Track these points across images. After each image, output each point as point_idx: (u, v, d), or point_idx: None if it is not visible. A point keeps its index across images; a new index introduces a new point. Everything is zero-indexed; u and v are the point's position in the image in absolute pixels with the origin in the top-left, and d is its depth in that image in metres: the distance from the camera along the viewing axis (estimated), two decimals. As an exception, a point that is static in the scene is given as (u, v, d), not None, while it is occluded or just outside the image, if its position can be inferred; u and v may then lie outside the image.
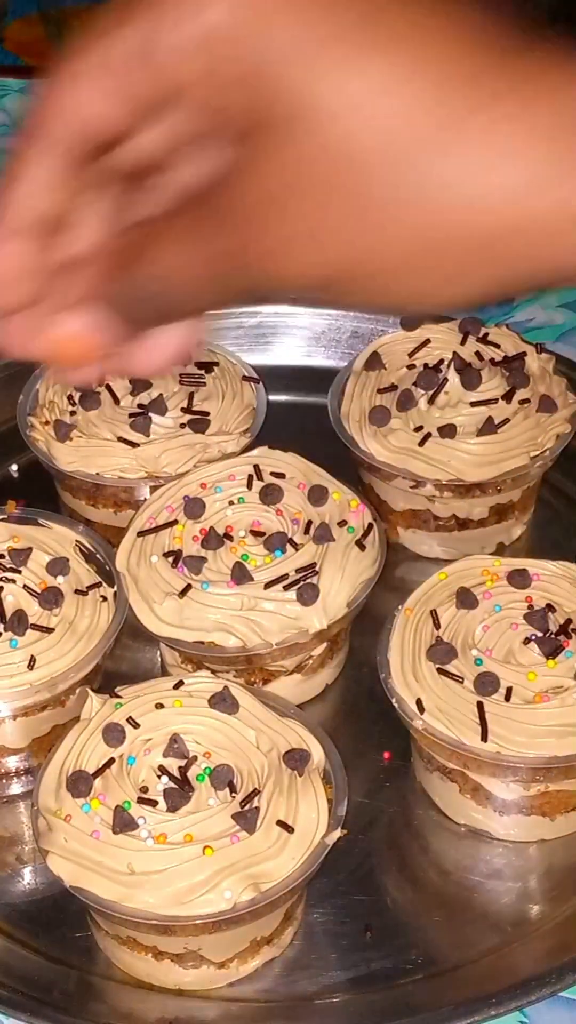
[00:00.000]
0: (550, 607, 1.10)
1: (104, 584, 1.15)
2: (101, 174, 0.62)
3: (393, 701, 1.07)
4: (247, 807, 0.96)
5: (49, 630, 1.10)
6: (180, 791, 0.97)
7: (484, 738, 1.03)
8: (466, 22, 0.59)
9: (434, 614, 1.10)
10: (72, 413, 1.28)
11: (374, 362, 1.31)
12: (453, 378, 1.27)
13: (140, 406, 1.27)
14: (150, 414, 1.26)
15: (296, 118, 0.57)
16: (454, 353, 1.29)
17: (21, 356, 0.64)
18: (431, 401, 1.26)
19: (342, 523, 1.17)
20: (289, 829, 0.96)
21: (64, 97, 0.59)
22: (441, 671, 1.06)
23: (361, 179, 0.58)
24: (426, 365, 1.29)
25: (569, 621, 1.08)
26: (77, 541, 1.18)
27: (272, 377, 1.37)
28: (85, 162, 0.61)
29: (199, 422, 1.26)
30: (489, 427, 1.23)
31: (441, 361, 1.29)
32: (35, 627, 1.09)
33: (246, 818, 0.96)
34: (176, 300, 0.62)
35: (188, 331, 0.65)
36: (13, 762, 1.12)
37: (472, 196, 0.58)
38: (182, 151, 0.62)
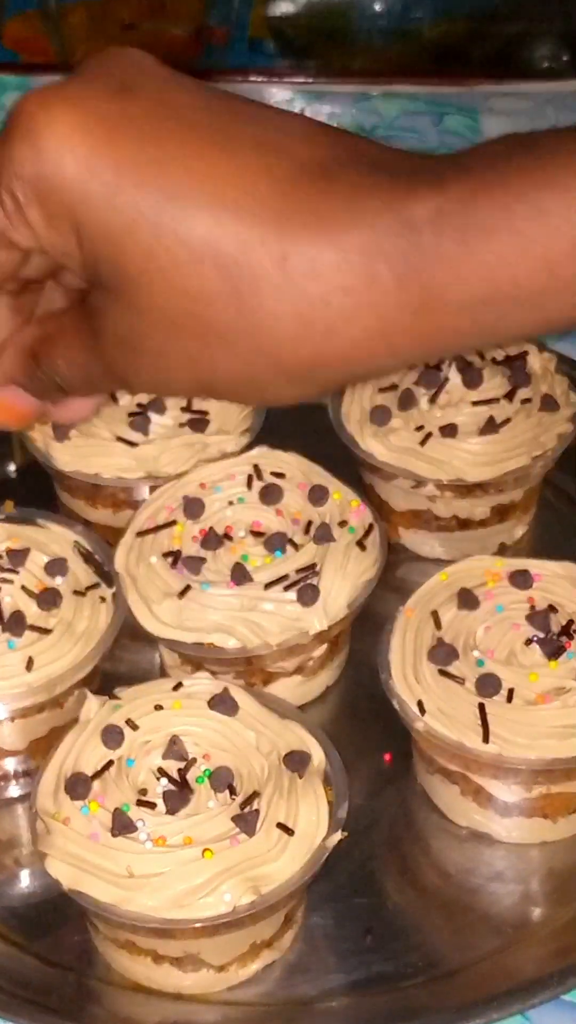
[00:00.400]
0: (552, 608, 1.09)
1: (103, 585, 1.14)
2: None
3: (394, 703, 1.07)
4: (247, 809, 0.96)
5: (47, 631, 1.09)
6: (179, 793, 0.97)
7: (486, 740, 1.02)
8: (283, 156, 0.67)
9: (435, 615, 1.10)
10: (71, 412, 1.27)
11: (375, 361, 1.31)
12: (454, 377, 1.26)
13: (139, 405, 1.26)
14: (149, 413, 1.25)
15: (143, 271, 0.66)
16: (455, 352, 1.28)
17: None
18: (432, 400, 1.25)
19: (343, 523, 1.16)
20: (289, 832, 0.96)
21: None
22: (442, 672, 1.06)
23: (199, 321, 0.67)
24: (427, 364, 1.28)
25: (571, 622, 1.08)
26: (76, 542, 1.18)
27: (272, 376, 1.36)
28: None
29: (198, 422, 1.26)
30: (491, 427, 1.23)
31: (442, 360, 1.28)
32: (33, 628, 1.09)
33: (246, 820, 0.95)
34: (72, 387, 0.76)
35: (95, 397, 0.80)
36: (11, 764, 1.12)
37: (296, 329, 0.67)
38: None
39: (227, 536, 1.16)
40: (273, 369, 0.68)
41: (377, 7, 1.99)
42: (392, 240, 0.65)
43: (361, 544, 1.15)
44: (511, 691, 1.04)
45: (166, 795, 0.97)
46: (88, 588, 1.13)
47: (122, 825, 0.95)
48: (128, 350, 0.71)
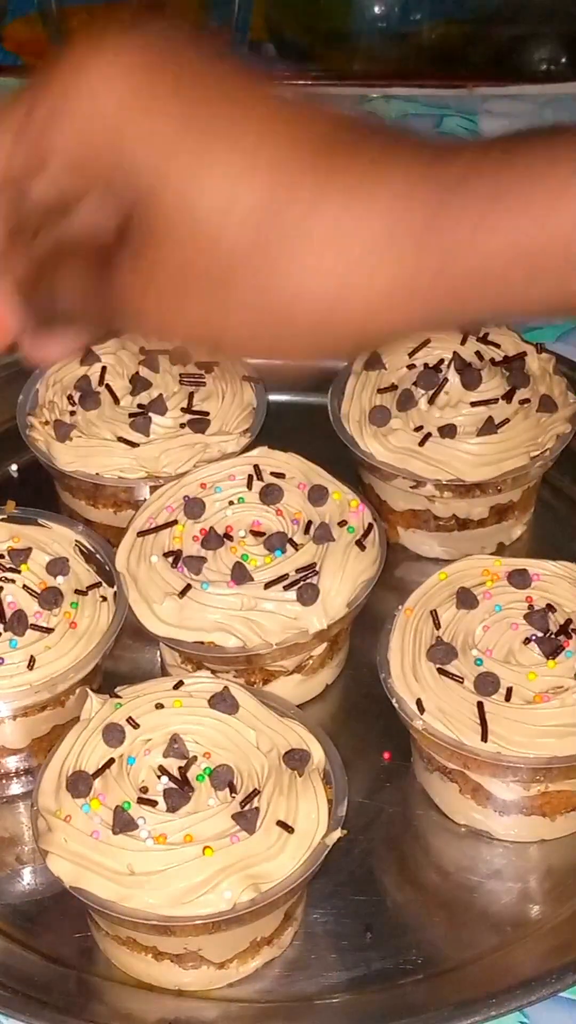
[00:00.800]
0: (550, 607, 1.09)
1: (104, 584, 1.15)
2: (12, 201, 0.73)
3: (393, 701, 1.07)
4: (247, 807, 0.96)
5: (49, 630, 1.10)
6: (180, 791, 0.97)
7: (484, 738, 1.03)
8: (310, 127, 0.67)
9: (434, 614, 1.10)
10: (72, 413, 1.28)
11: (374, 362, 1.31)
12: (453, 378, 1.27)
13: (140, 406, 1.27)
14: (150, 414, 1.26)
15: (170, 215, 0.67)
16: (454, 353, 1.29)
17: None
18: (431, 401, 1.26)
19: (342, 523, 1.17)
20: (289, 829, 0.96)
21: None
22: (441, 671, 1.06)
23: (221, 272, 0.67)
24: (426, 365, 1.29)
25: (569, 621, 1.08)
26: (77, 541, 1.18)
27: (272, 377, 1.36)
28: None
29: (199, 422, 1.26)
30: (489, 427, 1.23)
31: (441, 361, 1.28)
32: (35, 627, 1.09)
33: (246, 818, 0.96)
34: (67, 315, 0.73)
35: (79, 337, 0.76)
36: (13, 762, 1.12)
37: (314, 285, 0.67)
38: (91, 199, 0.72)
39: (227, 536, 1.16)
40: (285, 324, 0.69)
41: (376, 10, 1.99)
42: (417, 203, 0.66)
43: (361, 544, 1.15)
44: (510, 690, 1.05)
45: (167, 793, 0.97)
46: (89, 587, 1.14)
47: (123, 823, 0.96)
48: (142, 288, 0.70)
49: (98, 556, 1.17)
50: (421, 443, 1.23)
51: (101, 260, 0.70)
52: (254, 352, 0.73)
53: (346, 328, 0.69)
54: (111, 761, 1.00)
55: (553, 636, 1.08)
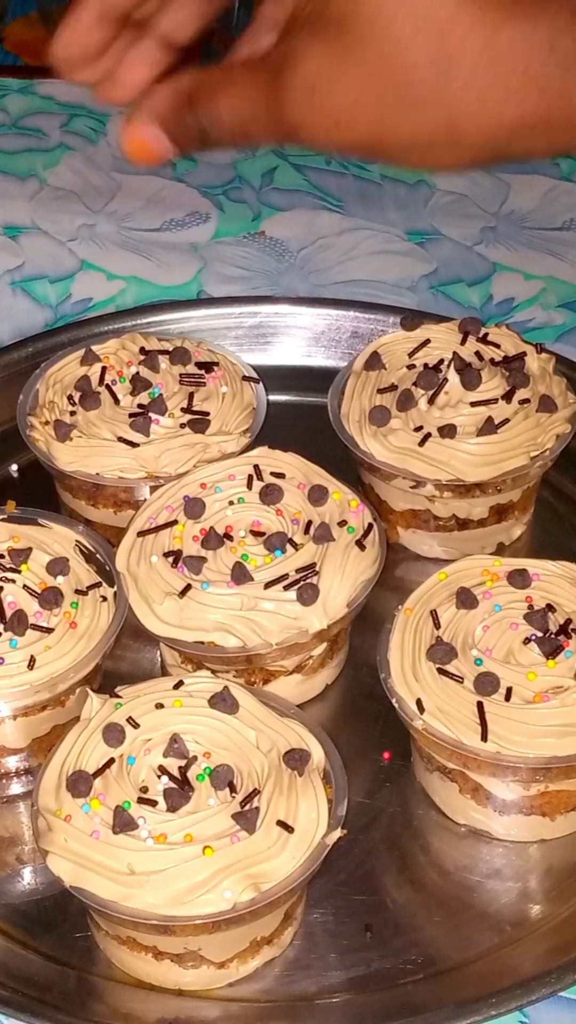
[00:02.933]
0: (550, 607, 1.10)
1: (104, 584, 1.15)
2: None
3: (393, 701, 1.07)
4: (247, 807, 0.96)
5: (49, 630, 1.10)
6: (180, 791, 0.97)
7: (484, 738, 1.03)
8: None
9: (434, 614, 1.10)
10: (72, 413, 1.28)
11: (374, 362, 1.31)
12: (453, 378, 1.27)
13: (140, 406, 1.27)
14: (150, 414, 1.26)
15: (356, 17, 0.73)
16: (454, 353, 1.29)
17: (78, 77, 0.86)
18: (431, 401, 1.26)
19: (342, 523, 1.17)
20: (289, 829, 0.96)
21: None
22: (441, 671, 1.06)
23: (401, 80, 0.74)
24: (426, 365, 1.29)
25: (569, 621, 1.09)
26: (77, 541, 1.18)
27: (272, 377, 1.37)
28: None
29: (199, 422, 1.26)
30: (489, 427, 1.23)
31: (441, 361, 1.29)
32: (35, 627, 1.09)
33: (246, 818, 0.96)
34: (221, 137, 0.80)
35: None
36: (13, 762, 1.12)
37: (480, 98, 0.74)
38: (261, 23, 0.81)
39: (227, 536, 1.16)
40: (449, 134, 0.75)
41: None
42: (569, 34, 0.74)
43: (360, 544, 1.15)
44: (509, 690, 1.05)
45: (167, 793, 0.98)
46: (89, 587, 1.14)
47: (123, 822, 0.96)
48: (317, 97, 0.76)
49: (98, 556, 1.17)
50: (421, 443, 1.23)
51: (269, 80, 0.77)
52: (414, 161, 0.79)
53: (499, 142, 0.76)
54: (111, 761, 1.00)
55: (553, 636, 1.08)
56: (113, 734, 1.01)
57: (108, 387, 1.29)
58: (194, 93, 0.81)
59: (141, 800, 0.97)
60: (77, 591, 1.13)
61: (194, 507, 1.18)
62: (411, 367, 1.30)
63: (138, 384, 1.29)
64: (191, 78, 0.81)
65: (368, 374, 1.31)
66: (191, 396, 1.28)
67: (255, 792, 0.97)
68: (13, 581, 1.12)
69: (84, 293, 1.58)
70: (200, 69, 0.81)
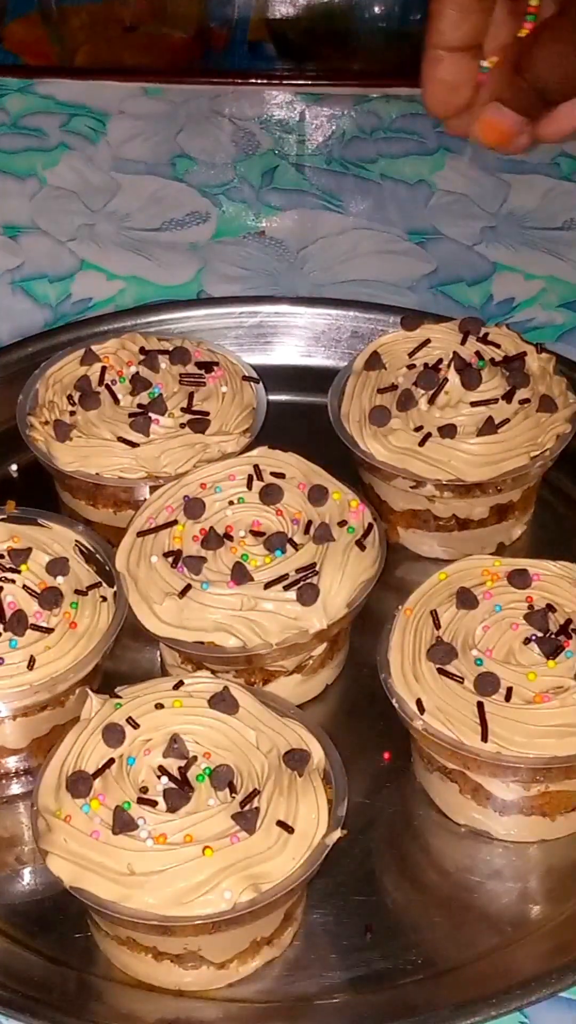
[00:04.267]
0: (550, 607, 1.09)
1: (104, 584, 1.15)
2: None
3: (393, 701, 1.07)
4: (247, 807, 0.96)
5: (49, 630, 1.10)
6: (180, 791, 0.97)
7: (484, 738, 1.03)
8: None
9: (434, 614, 1.10)
10: (72, 413, 1.28)
11: (374, 362, 1.31)
12: (453, 378, 1.27)
13: (140, 406, 1.27)
14: (150, 414, 1.26)
15: None
16: (454, 353, 1.29)
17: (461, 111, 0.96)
18: (431, 401, 1.26)
19: (342, 523, 1.17)
20: (289, 829, 0.96)
21: None
22: (441, 671, 1.06)
23: None
24: (426, 365, 1.29)
25: (569, 621, 1.08)
26: (77, 541, 1.18)
27: (272, 377, 1.37)
28: None
29: (199, 422, 1.26)
30: (489, 427, 1.23)
31: (441, 361, 1.28)
32: (35, 627, 1.09)
33: (246, 818, 0.96)
34: (551, 89, 0.90)
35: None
36: (13, 762, 1.12)
37: None
38: None
39: (227, 536, 1.16)
40: None
41: (376, 10, 1.99)
42: None
43: (360, 544, 1.15)
44: (510, 690, 1.05)
45: (167, 793, 0.98)
46: (89, 587, 1.14)
47: (123, 823, 0.96)
48: None
49: (98, 556, 1.17)
50: (421, 443, 1.23)
51: (570, 31, 0.87)
52: None
53: None
54: (111, 761, 1.00)
55: (553, 636, 1.08)
56: (113, 734, 1.01)
57: (108, 387, 1.29)
58: (517, 63, 0.90)
59: (141, 800, 0.97)
60: (77, 591, 1.13)
61: (194, 507, 1.18)
62: (411, 367, 1.30)
63: (138, 384, 1.29)
64: (510, 51, 0.91)
65: (368, 374, 1.31)
66: (191, 396, 1.28)
67: (255, 792, 0.97)
68: (13, 581, 1.12)
69: (84, 293, 1.58)
70: (511, 40, 0.92)
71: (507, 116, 0.93)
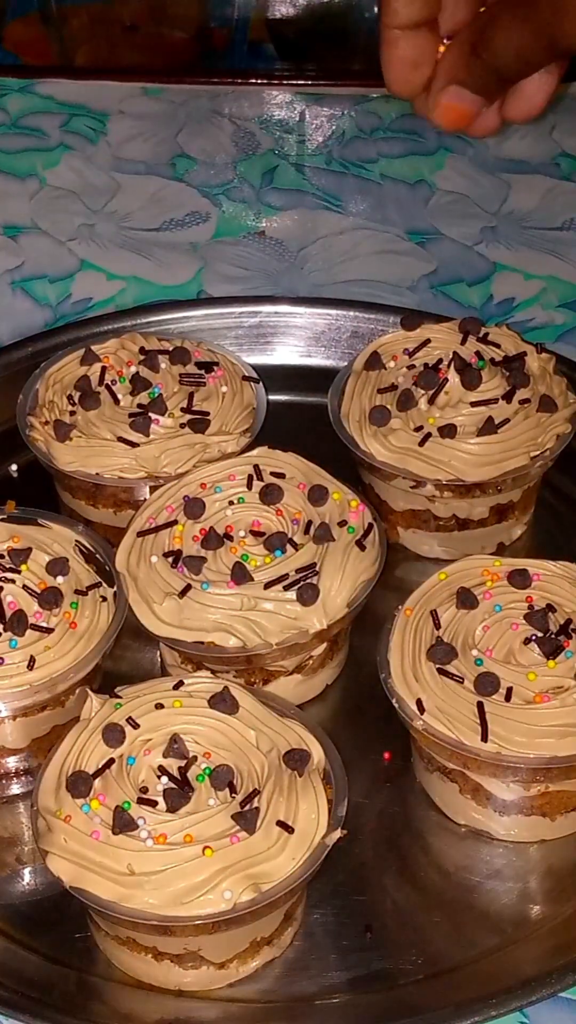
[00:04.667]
0: (550, 607, 1.09)
1: (104, 584, 1.15)
2: None
3: (393, 701, 1.07)
4: (247, 807, 0.96)
5: (49, 630, 1.10)
6: (180, 791, 0.97)
7: (484, 738, 1.03)
8: None
9: (434, 614, 1.10)
10: (72, 413, 1.28)
11: (374, 362, 1.31)
12: (453, 378, 1.27)
13: (140, 406, 1.27)
14: (150, 414, 1.26)
15: None
16: (454, 353, 1.29)
17: (423, 92, 0.94)
18: (431, 401, 1.26)
19: (342, 523, 1.17)
20: (289, 829, 0.96)
21: None
22: (441, 671, 1.06)
23: None
24: (426, 365, 1.29)
25: (569, 621, 1.08)
26: (77, 541, 1.18)
27: (272, 377, 1.37)
28: None
29: (199, 422, 1.26)
30: (489, 427, 1.23)
31: (441, 361, 1.28)
32: (35, 627, 1.09)
33: (246, 818, 0.96)
34: (509, 69, 0.89)
35: (541, 83, 0.92)
36: (13, 762, 1.12)
37: None
38: None
39: (227, 536, 1.16)
40: None
41: (376, 10, 1.99)
42: None
43: (360, 544, 1.15)
44: (510, 690, 1.05)
45: (167, 793, 0.97)
46: (89, 587, 1.14)
47: (123, 823, 0.96)
48: (563, 11, 0.85)
49: (98, 556, 1.17)
50: (421, 443, 1.23)
51: (523, 8, 0.86)
52: None
53: None
54: (111, 761, 1.00)
55: (553, 636, 1.08)
56: (113, 734, 1.01)
57: (108, 387, 1.29)
58: (473, 42, 0.89)
59: (141, 800, 0.97)
60: (77, 591, 1.13)
61: (194, 507, 1.17)
62: (411, 367, 1.30)
63: (138, 384, 1.29)
64: (466, 32, 0.90)
65: (368, 374, 1.31)
66: (191, 396, 1.28)
67: (255, 792, 0.97)
68: (13, 581, 1.12)
69: (84, 293, 1.58)
70: (471, 18, 0.91)
71: (465, 98, 0.91)
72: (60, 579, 1.13)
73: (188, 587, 1.12)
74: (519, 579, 1.12)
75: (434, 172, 1.76)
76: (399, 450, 1.24)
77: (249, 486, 1.20)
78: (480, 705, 1.04)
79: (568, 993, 1.00)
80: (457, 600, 1.11)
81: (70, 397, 1.29)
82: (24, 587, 1.12)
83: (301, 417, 1.37)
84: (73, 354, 1.34)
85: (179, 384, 1.30)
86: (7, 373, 1.41)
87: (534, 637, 1.08)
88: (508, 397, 1.25)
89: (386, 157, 1.78)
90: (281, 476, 1.20)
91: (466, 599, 1.11)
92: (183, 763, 0.99)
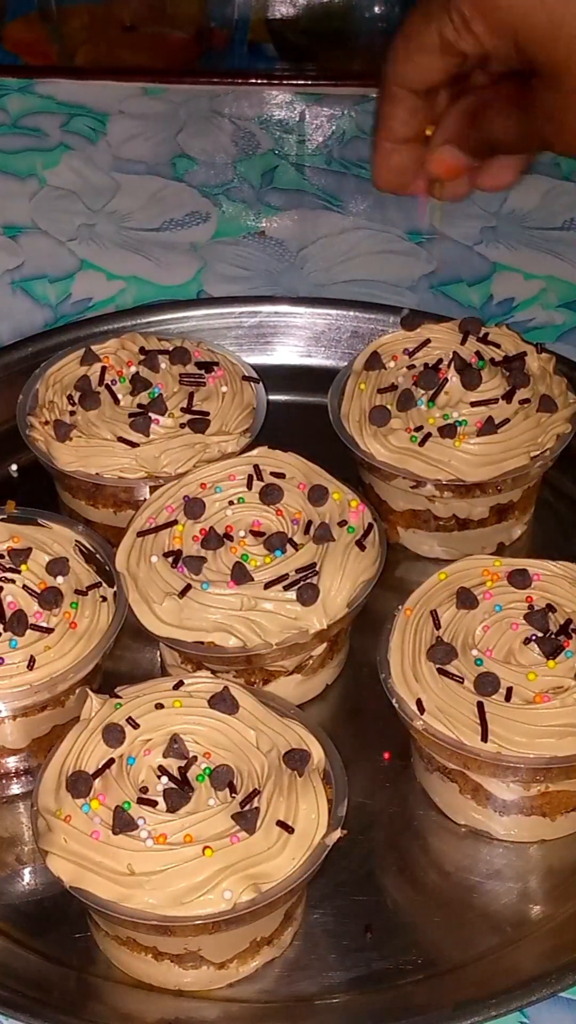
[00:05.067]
0: (550, 607, 1.09)
1: (104, 584, 1.15)
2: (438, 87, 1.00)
3: (393, 701, 1.07)
4: (247, 807, 0.96)
5: (49, 630, 1.10)
6: (180, 791, 0.97)
7: (484, 738, 1.03)
8: None
9: (434, 614, 1.10)
10: (72, 413, 1.28)
11: (374, 362, 1.31)
12: (453, 378, 1.27)
13: (140, 406, 1.27)
14: (150, 414, 1.26)
15: (567, 61, 0.91)
16: (454, 353, 1.29)
17: (408, 191, 1.06)
18: (431, 401, 1.26)
19: (342, 523, 1.17)
20: (289, 829, 0.96)
21: (407, 68, 0.99)
22: (441, 671, 1.06)
23: None
24: (426, 365, 1.29)
25: (569, 621, 1.08)
26: (77, 541, 1.18)
27: (272, 377, 1.37)
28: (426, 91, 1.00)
29: (199, 422, 1.26)
30: (489, 427, 1.23)
31: (441, 361, 1.28)
32: (35, 627, 1.09)
33: (246, 818, 0.96)
34: (501, 144, 0.99)
35: (518, 161, 1.02)
36: (13, 762, 1.12)
37: None
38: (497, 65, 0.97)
39: (227, 536, 1.16)
40: None
41: (376, 10, 1.99)
42: None
43: (360, 544, 1.15)
44: (510, 690, 1.05)
45: (167, 793, 0.97)
46: (89, 587, 1.14)
47: (123, 823, 0.96)
48: (553, 121, 0.94)
49: (98, 556, 1.17)
50: (421, 443, 1.23)
51: (519, 101, 0.95)
52: None
53: None
54: (111, 761, 1.00)
55: (553, 636, 1.08)
56: (113, 734, 1.01)
57: (108, 387, 1.29)
58: (474, 113, 0.99)
59: (141, 800, 0.97)
60: (77, 591, 1.13)
61: (194, 507, 1.17)
62: (411, 367, 1.30)
63: (138, 384, 1.29)
64: (469, 102, 0.99)
65: (368, 374, 1.31)
66: (191, 396, 1.28)
67: (255, 792, 0.97)
68: (13, 581, 1.12)
69: (84, 293, 1.58)
70: (475, 93, 0.99)
71: (460, 158, 1.01)
72: (60, 579, 1.13)
73: (188, 587, 1.12)
74: (519, 579, 1.12)
75: (434, 172, 1.76)
76: (399, 450, 1.24)
77: (249, 486, 1.20)
78: (480, 705, 1.04)
79: (568, 993, 1.00)
80: (457, 600, 1.11)
81: (70, 397, 1.29)
82: (24, 587, 1.12)
83: (301, 417, 1.37)
84: (73, 354, 1.34)
85: (179, 384, 1.30)
86: (7, 373, 1.41)
87: (534, 637, 1.08)
88: (508, 397, 1.25)
89: (386, 157, 1.78)
90: (281, 476, 1.20)
91: (466, 599, 1.11)
92: (183, 763, 0.99)
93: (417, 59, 0.98)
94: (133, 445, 1.24)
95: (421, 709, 1.05)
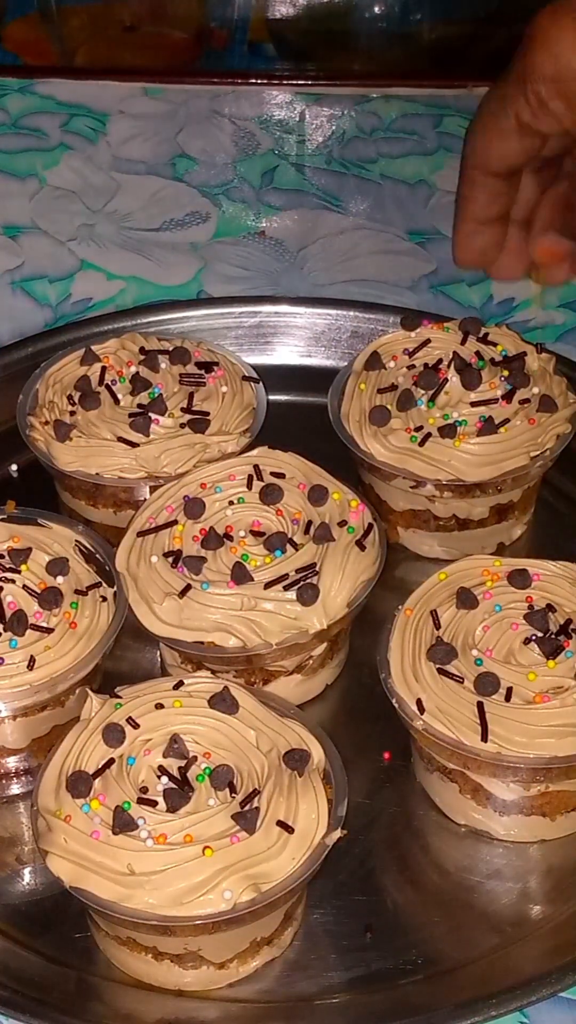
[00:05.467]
0: (550, 607, 1.09)
1: (104, 584, 1.15)
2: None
3: (393, 701, 1.07)
4: (247, 807, 0.96)
5: (49, 630, 1.10)
6: (180, 791, 0.97)
7: (484, 738, 1.03)
8: None
9: (434, 614, 1.10)
10: (72, 413, 1.28)
11: (374, 362, 1.31)
12: (453, 378, 1.27)
13: (140, 406, 1.27)
14: (150, 414, 1.26)
15: None
16: (454, 353, 1.29)
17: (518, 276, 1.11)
18: (431, 401, 1.26)
19: (342, 523, 1.17)
20: (289, 829, 0.96)
21: (485, 152, 1.00)
22: (441, 671, 1.06)
23: None
24: (426, 365, 1.29)
25: (569, 621, 1.08)
26: (77, 541, 1.18)
27: (272, 377, 1.37)
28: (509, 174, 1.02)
29: (199, 422, 1.26)
30: (489, 427, 1.23)
31: (441, 361, 1.28)
32: (35, 627, 1.09)
33: (246, 818, 0.96)
34: None
35: None
36: (13, 762, 1.12)
37: None
38: None
39: (227, 536, 1.16)
40: None
41: (376, 10, 1.99)
42: None
43: (360, 544, 1.15)
44: (510, 690, 1.05)
45: (167, 793, 0.97)
46: (89, 587, 1.14)
47: (123, 823, 0.96)
48: None
49: (98, 556, 1.17)
50: (421, 443, 1.23)
51: None
52: None
53: None
54: (111, 761, 1.00)
55: (553, 636, 1.08)
56: (113, 734, 1.01)
57: (108, 387, 1.29)
58: (569, 197, 1.02)
59: (141, 800, 0.97)
60: (77, 591, 1.13)
61: (194, 507, 1.18)
62: (411, 367, 1.30)
63: (138, 384, 1.29)
64: (563, 188, 1.02)
65: (368, 374, 1.31)
66: (191, 396, 1.28)
67: (255, 792, 0.97)
68: (13, 581, 1.12)
69: (84, 293, 1.58)
70: (569, 177, 1.02)
71: (562, 243, 1.05)
72: (60, 579, 1.13)
73: (188, 587, 1.12)
74: (519, 579, 1.12)
75: (434, 172, 1.76)
76: (399, 450, 1.24)
77: (249, 486, 1.20)
78: (480, 705, 1.04)
79: (568, 993, 1.00)
80: (457, 600, 1.11)
81: (70, 397, 1.29)
82: (24, 587, 1.12)
83: (301, 417, 1.37)
84: (73, 354, 1.34)
85: (179, 384, 1.30)
86: (7, 373, 1.41)
87: (534, 637, 1.08)
88: (508, 397, 1.25)
89: (386, 157, 1.78)
90: (281, 476, 1.20)
91: (466, 599, 1.11)
92: (183, 763, 0.99)
93: (495, 143, 0.97)
94: (133, 445, 1.24)
95: (421, 709, 1.05)
